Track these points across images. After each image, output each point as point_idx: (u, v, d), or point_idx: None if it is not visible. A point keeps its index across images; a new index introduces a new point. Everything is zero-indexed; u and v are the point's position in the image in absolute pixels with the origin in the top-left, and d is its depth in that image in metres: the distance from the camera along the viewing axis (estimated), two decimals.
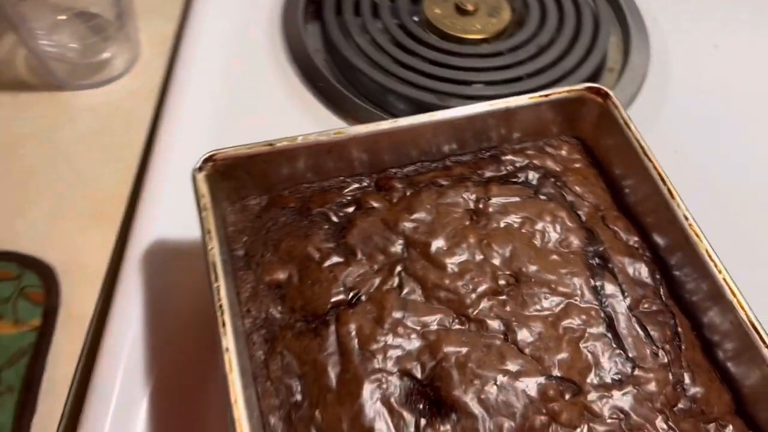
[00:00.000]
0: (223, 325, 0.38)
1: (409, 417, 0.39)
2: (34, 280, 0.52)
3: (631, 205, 0.49)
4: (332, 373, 0.40)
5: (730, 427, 0.40)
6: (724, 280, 0.41)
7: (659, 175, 0.45)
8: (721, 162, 0.61)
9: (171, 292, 0.50)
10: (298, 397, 0.40)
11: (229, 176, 0.46)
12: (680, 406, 0.41)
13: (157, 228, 0.52)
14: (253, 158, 0.45)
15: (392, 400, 0.39)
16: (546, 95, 0.49)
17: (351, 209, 0.48)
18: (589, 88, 0.50)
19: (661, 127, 0.63)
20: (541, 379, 0.40)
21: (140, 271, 0.50)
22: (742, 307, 0.40)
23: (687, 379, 0.41)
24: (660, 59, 0.67)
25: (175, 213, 0.51)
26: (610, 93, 0.49)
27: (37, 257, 0.54)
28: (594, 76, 0.63)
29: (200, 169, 0.44)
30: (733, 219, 0.57)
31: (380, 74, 0.60)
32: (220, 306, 0.38)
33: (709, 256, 0.42)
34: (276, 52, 0.65)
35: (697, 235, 0.43)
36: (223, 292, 0.39)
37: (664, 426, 0.39)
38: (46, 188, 0.59)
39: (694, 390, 0.41)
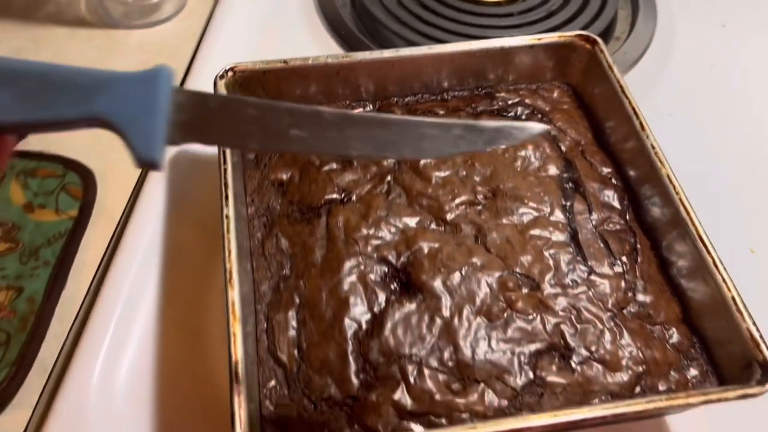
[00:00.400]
0: (227, 198, 0.43)
1: (381, 294, 0.44)
2: (75, 179, 0.60)
3: (610, 144, 0.53)
4: (318, 253, 0.45)
5: (674, 330, 0.44)
6: (682, 203, 0.45)
7: (633, 109, 0.49)
8: (715, 130, 0.64)
9: (190, 196, 0.56)
10: (287, 271, 0.45)
11: (246, 89, 0.52)
12: (630, 309, 0.44)
13: None
14: (269, 73, 0.51)
15: (368, 278, 0.44)
16: (539, 39, 0.54)
17: None
18: (579, 35, 0.54)
19: (661, 93, 0.66)
20: (503, 273, 0.45)
21: (165, 177, 0.57)
22: (697, 231, 0.44)
23: (639, 288, 0.45)
24: (666, 31, 0.71)
25: None
26: (599, 40, 0.54)
27: (80, 161, 0.61)
28: None
29: (221, 77, 0.50)
30: (717, 182, 0.60)
31: (399, 26, 0.65)
32: (225, 182, 0.44)
33: (671, 181, 0.46)
34: (306, 3, 0.71)
35: (661, 162, 0.47)
36: (229, 173, 0.45)
37: (612, 323, 0.43)
38: None
39: (644, 297, 0.45)
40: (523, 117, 0.55)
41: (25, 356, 0.48)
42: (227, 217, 0.43)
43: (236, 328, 0.38)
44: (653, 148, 0.47)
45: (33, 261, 0.54)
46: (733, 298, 0.41)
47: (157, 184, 0.56)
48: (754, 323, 0.40)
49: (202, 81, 0.60)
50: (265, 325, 0.43)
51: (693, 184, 0.49)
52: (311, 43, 0.68)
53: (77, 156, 0.62)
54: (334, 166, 0.50)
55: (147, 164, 0.27)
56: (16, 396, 0.46)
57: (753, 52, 0.71)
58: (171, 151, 0.58)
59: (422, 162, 0.50)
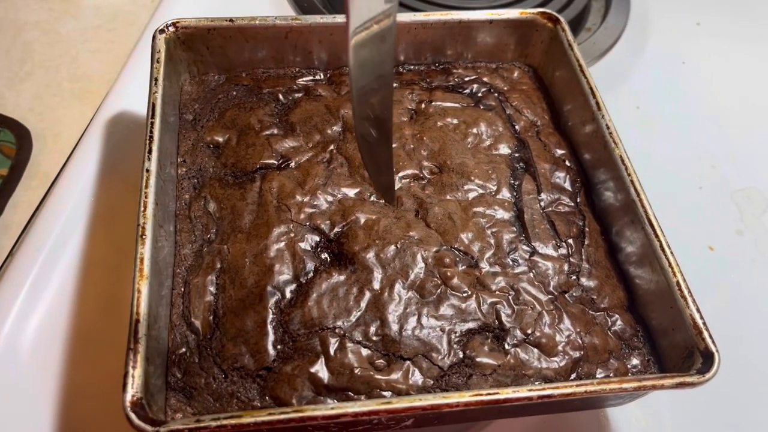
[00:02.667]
0: (150, 152, 0.41)
1: (309, 263, 0.41)
2: (9, 137, 0.57)
3: (568, 127, 0.51)
4: (247, 218, 0.43)
5: (618, 317, 0.41)
6: (633, 185, 0.43)
7: (591, 89, 0.47)
8: (682, 126, 0.62)
9: (126, 159, 0.53)
10: (212, 235, 0.42)
11: (189, 47, 0.49)
12: (572, 293, 0.42)
13: (126, 102, 0.55)
14: (214, 32, 0.49)
15: (297, 246, 0.42)
16: (499, 14, 0.52)
17: (300, 95, 0.51)
18: (541, 13, 0.52)
19: (629, 86, 0.65)
20: (441, 248, 0.42)
21: (101, 137, 0.54)
22: (647, 213, 0.42)
23: (584, 272, 0.43)
24: (638, 25, 0.69)
25: (146, 92, 0.55)
26: (561, 18, 0.52)
27: (17, 119, 0.58)
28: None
29: (161, 31, 0.47)
30: (680, 177, 0.58)
31: None
32: (151, 136, 0.41)
33: (623, 162, 0.44)
34: None
35: (615, 143, 0.45)
36: (156, 127, 0.42)
37: (551, 306, 0.41)
38: (40, 67, 0.63)
39: (588, 282, 0.43)
40: (479, 94, 0.52)
41: None
42: (147, 171, 0.40)
43: (142, 286, 0.35)
44: (608, 128, 0.45)
45: None
46: (678, 284, 0.38)
47: (92, 144, 0.53)
48: (698, 310, 0.37)
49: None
50: (183, 289, 0.40)
51: (655, 178, 0.48)
52: (270, 11, 0.65)
53: (15, 114, 0.59)
54: (275, 131, 0.48)
55: None
56: None
57: (726, 52, 0.69)
58: (109, 112, 0.55)
59: None
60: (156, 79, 0.45)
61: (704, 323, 0.37)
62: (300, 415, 0.32)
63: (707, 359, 0.36)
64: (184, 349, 0.38)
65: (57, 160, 0.56)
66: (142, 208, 0.38)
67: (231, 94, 0.50)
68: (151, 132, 0.42)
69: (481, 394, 0.33)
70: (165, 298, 0.39)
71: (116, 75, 0.62)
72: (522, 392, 0.34)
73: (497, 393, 0.34)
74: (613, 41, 0.66)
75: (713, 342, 0.36)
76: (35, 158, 0.56)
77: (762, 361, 0.48)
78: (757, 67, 0.68)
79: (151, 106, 0.43)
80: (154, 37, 0.47)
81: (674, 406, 0.45)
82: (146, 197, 0.39)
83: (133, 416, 0.31)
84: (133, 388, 0.32)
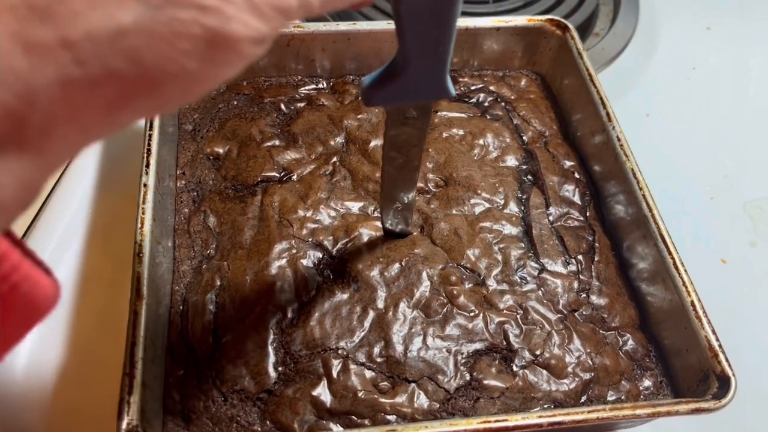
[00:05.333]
0: (147, 165, 0.40)
1: (312, 280, 0.40)
2: None
3: (576, 137, 0.49)
4: (248, 234, 0.42)
5: (629, 336, 0.40)
6: (645, 199, 0.42)
7: (601, 99, 0.46)
8: (693, 134, 0.61)
9: (123, 171, 0.51)
10: (212, 250, 0.41)
11: None
12: (582, 311, 0.41)
13: None
14: None
15: (299, 264, 0.40)
16: (507, 21, 0.51)
17: (302, 104, 0.50)
18: (549, 20, 0.51)
19: (638, 92, 0.63)
20: (446, 266, 0.41)
21: (98, 149, 0.53)
22: (659, 229, 0.41)
23: (594, 289, 0.42)
24: (647, 30, 0.68)
25: None
26: (570, 25, 0.50)
27: None
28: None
29: None
30: (691, 187, 0.57)
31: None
32: (148, 148, 0.40)
33: (635, 176, 0.43)
34: None
35: (626, 155, 0.43)
36: (154, 139, 0.41)
37: (561, 326, 0.40)
38: None
39: (599, 300, 0.41)
40: (486, 104, 0.51)
41: None
42: (145, 185, 0.39)
43: (140, 307, 0.34)
44: (618, 140, 0.44)
45: None
46: (693, 303, 0.37)
47: (89, 156, 0.52)
48: (714, 332, 0.36)
49: None
50: (182, 307, 0.39)
51: (666, 188, 0.46)
52: None
53: None
54: (277, 142, 0.47)
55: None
56: None
57: (736, 57, 0.68)
58: None
59: (372, 144, 0.47)
60: None
61: (720, 345, 0.36)
62: None
63: (723, 383, 0.35)
64: (182, 371, 0.37)
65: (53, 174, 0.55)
66: (139, 225, 0.37)
67: (232, 103, 0.49)
68: (149, 145, 0.41)
69: (490, 421, 0.32)
70: (163, 317, 0.38)
71: None
72: (532, 418, 0.32)
73: (506, 420, 0.32)
74: (622, 47, 0.64)
75: (729, 365, 0.35)
76: None
77: None
78: None
79: (149, 118, 0.42)
80: None
81: (688, 425, 0.44)
82: (143, 213, 0.38)
83: None
84: (129, 416, 0.31)
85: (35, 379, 0.41)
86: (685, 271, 0.38)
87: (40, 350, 0.42)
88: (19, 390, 0.40)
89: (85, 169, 0.51)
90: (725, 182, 0.57)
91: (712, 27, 0.70)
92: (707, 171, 0.58)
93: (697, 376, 0.37)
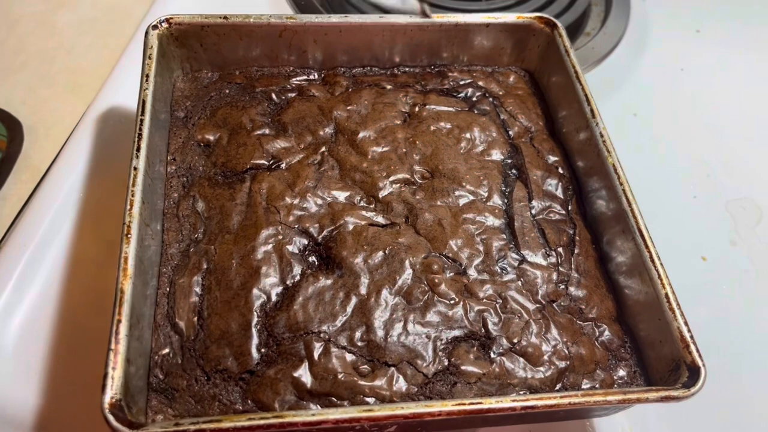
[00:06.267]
0: (138, 149, 0.40)
1: (296, 266, 0.41)
2: (0, 130, 0.56)
3: (562, 133, 0.50)
4: (235, 219, 0.42)
5: (606, 328, 0.41)
6: (624, 194, 0.42)
7: (585, 95, 0.47)
8: (679, 134, 0.62)
9: (116, 155, 0.53)
10: (200, 234, 0.42)
11: (183, 43, 0.49)
12: (561, 302, 0.42)
13: (119, 97, 0.55)
14: (208, 29, 0.48)
15: (284, 249, 0.41)
16: (496, 17, 0.51)
17: (293, 95, 0.50)
18: (538, 18, 0.52)
19: (626, 92, 0.64)
20: (429, 255, 0.42)
21: (93, 133, 0.53)
22: (637, 224, 0.41)
23: (573, 281, 0.43)
24: (638, 31, 0.69)
25: (137, 88, 0.55)
26: (558, 23, 0.51)
27: (9, 111, 0.58)
28: (570, 36, 0.65)
29: (155, 27, 0.47)
30: (675, 186, 0.58)
31: None
32: (140, 132, 0.41)
33: (615, 171, 0.43)
34: None
35: (608, 151, 0.44)
36: (146, 124, 0.41)
37: (539, 316, 0.41)
38: (34, 59, 0.63)
39: (577, 291, 0.42)
40: (474, 99, 0.52)
41: None
42: (135, 168, 0.40)
43: (125, 286, 0.35)
44: (602, 136, 0.45)
45: None
46: (667, 296, 0.38)
47: (83, 139, 0.53)
48: (686, 323, 0.37)
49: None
50: (168, 289, 0.40)
51: (650, 186, 0.47)
52: (269, 9, 0.65)
53: (8, 107, 0.59)
54: (267, 131, 0.47)
55: None
56: None
57: (725, 60, 0.69)
58: (102, 107, 0.55)
59: (361, 134, 0.48)
60: (147, 76, 0.44)
61: (691, 336, 0.37)
62: (280, 420, 0.31)
63: (693, 373, 0.36)
64: (167, 350, 0.38)
65: (49, 153, 0.56)
66: (128, 207, 0.38)
67: (224, 92, 0.50)
68: (140, 129, 0.41)
69: (464, 404, 0.33)
70: (149, 298, 0.38)
71: (110, 69, 0.61)
72: (506, 402, 0.33)
73: (480, 403, 0.33)
74: (612, 46, 0.66)
75: (700, 356, 0.36)
76: (26, 151, 0.56)
77: (751, 373, 0.48)
78: (756, 77, 0.67)
79: (141, 103, 0.43)
80: (146, 32, 0.47)
81: (661, 417, 0.45)
82: (133, 195, 0.39)
83: (111, 418, 0.31)
84: (113, 390, 0.32)
85: (25, 357, 0.42)
86: (661, 264, 0.39)
87: (30, 329, 0.43)
88: (8, 367, 0.41)
89: (77, 153, 0.52)
90: (708, 181, 0.58)
91: (701, 30, 0.71)
92: (691, 170, 0.59)
93: (669, 366, 0.37)
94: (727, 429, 0.46)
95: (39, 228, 0.47)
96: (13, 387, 0.41)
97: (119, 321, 0.34)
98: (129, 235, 0.37)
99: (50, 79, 0.62)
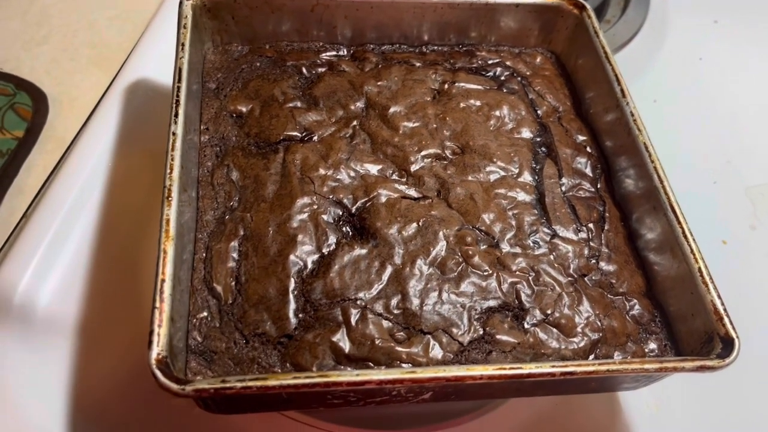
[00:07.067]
0: (176, 115, 0.40)
1: (332, 235, 0.41)
2: (26, 100, 0.56)
3: (589, 114, 0.51)
4: (270, 188, 0.43)
5: (636, 302, 0.42)
6: (656, 171, 0.43)
7: (616, 75, 0.47)
8: (697, 121, 0.63)
9: (144, 126, 0.53)
10: (235, 203, 0.42)
11: (215, 15, 0.49)
12: (592, 276, 0.42)
13: (145, 69, 0.55)
14: (240, 1, 0.49)
15: (320, 218, 0.41)
16: None
17: (323, 69, 0.51)
18: (568, 0, 0.52)
19: (646, 79, 0.65)
20: (462, 227, 0.42)
21: (119, 104, 0.53)
22: (669, 200, 0.42)
23: (604, 256, 0.43)
24: (657, 20, 0.69)
25: (166, 60, 0.55)
26: (587, 5, 0.52)
27: (34, 83, 0.58)
28: None
29: None
30: (694, 172, 0.58)
31: None
32: (177, 100, 0.41)
33: (647, 149, 0.44)
34: None
35: (639, 130, 0.45)
36: (183, 92, 0.42)
37: (571, 289, 0.41)
38: (58, 31, 0.63)
39: (608, 266, 0.43)
40: (502, 78, 0.52)
41: None
42: (174, 134, 0.40)
43: (168, 247, 0.35)
44: (632, 115, 0.45)
45: None
46: (700, 270, 0.39)
47: (110, 110, 0.53)
48: (719, 296, 0.38)
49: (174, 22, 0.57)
50: (204, 254, 0.40)
51: (670, 171, 0.47)
52: None
53: (32, 78, 0.59)
54: (299, 104, 0.48)
55: None
56: None
57: (742, 50, 0.70)
58: (128, 79, 0.55)
59: (391, 110, 0.48)
60: (183, 45, 0.44)
61: (725, 309, 0.37)
62: (325, 380, 0.32)
63: (727, 344, 0.36)
64: (205, 314, 0.38)
65: (73, 124, 0.56)
66: (168, 170, 0.38)
67: (255, 65, 0.50)
68: (178, 96, 0.42)
69: (505, 368, 0.33)
70: (186, 263, 0.39)
71: (133, 43, 0.62)
72: (545, 368, 0.34)
73: (520, 368, 0.34)
74: (632, 34, 0.66)
75: (733, 328, 0.36)
76: (51, 122, 0.56)
77: (764, 359, 0.49)
78: None
79: (178, 71, 0.43)
80: (181, 2, 0.47)
81: (685, 394, 0.46)
82: (173, 160, 0.39)
83: (159, 374, 0.31)
84: (159, 347, 0.32)
85: (55, 320, 0.42)
86: (694, 240, 0.40)
87: (60, 295, 0.43)
88: (42, 329, 0.41)
89: (105, 124, 0.52)
90: (728, 167, 0.59)
91: (719, 20, 0.72)
92: (711, 156, 0.59)
93: (701, 339, 0.38)
94: (746, 408, 0.47)
95: (69, 195, 0.47)
96: (47, 350, 0.41)
97: (163, 281, 0.34)
98: (170, 198, 0.37)
99: (73, 51, 0.62)
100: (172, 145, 0.39)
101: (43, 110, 0.56)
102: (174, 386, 0.31)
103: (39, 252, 0.45)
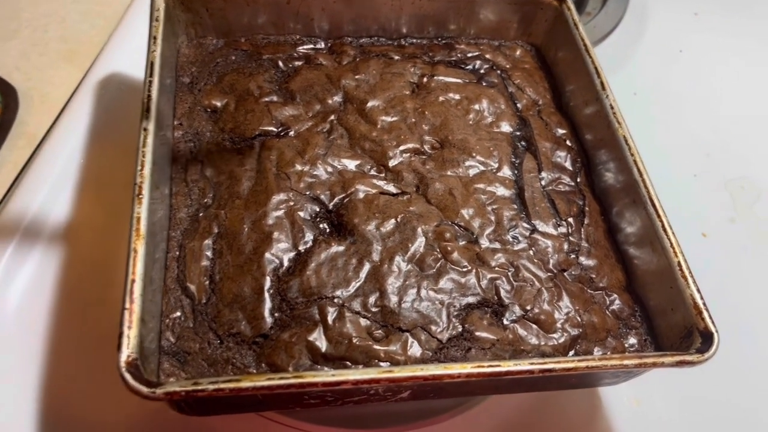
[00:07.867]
0: (147, 110, 0.39)
1: (308, 233, 0.40)
2: None
3: (569, 107, 0.50)
4: (245, 185, 0.42)
5: (616, 297, 0.41)
6: (636, 165, 0.43)
7: (595, 68, 0.47)
8: (677, 114, 0.62)
9: (117, 122, 0.52)
10: (209, 199, 0.41)
11: (188, 8, 0.48)
12: (572, 271, 0.42)
13: (117, 64, 0.54)
14: None
15: (296, 215, 0.41)
16: None
17: (300, 63, 0.50)
18: None
19: (626, 72, 0.65)
20: (441, 223, 0.42)
21: (91, 99, 0.52)
22: (649, 194, 0.42)
23: (584, 251, 0.43)
24: (637, 13, 0.69)
25: (139, 54, 0.53)
26: None
27: (4, 78, 0.56)
28: None
29: None
30: (674, 164, 0.58)
31: None
32: (149, 95, 0.40)
33: (626, 143, 0.44)
34: None
35: (619, 122, 0.44)
36: (155, 86, 0.41)
37: (551, 284, 0.41)
38: (29, 25, 0.61)
39: (587, 261, 0.42)
40: (482, 71, 0.52)
41: None
42: (145, 129, 0.39)
43: (138, 246, 0.34)
44: (612, 108, 0.45)
45: None
46: (680, 264, 0.38)
47: (82, 105, 0.52)
48: (698, 290, 0.37)
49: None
50: (178, 253, 0.39)
51: (650, 164, 0.47)
52: None
53: (2, 73, 0.57)
54: (275, 98, 0.47)
55: None
56: None
57: (721, 43, 0.70)
58: (100, 74, 0.54)
59: (369, 104, 0.47)
60: (155, 38, 0.43)
61: (704, 303, 0.37)
62: (300, 381, 0.31)
63: (706, 339, 0.36)
64: (178, 313, 0.37)
65: (44, 120, 0.54)
66: (139, 168, 0.37)
67: (230, 58, 0.49)
68: (149, 91, 0.41)
69: (483, 366, 0.33)
70: (159, 261, 0.38)
71: (105, 37, 0.60)
72: (524, 365, 0.33)
73: (499, 365, 0.33)
74: (612, 27, 0.66)
75: (713, 322, 0.36)
76: (21, 118, 0.55)
77: (750, 349, 0.49)
78: (752, 60, 0.68)
79: (150, 65, 0.42)
80: None
81: (665, 388, 0.46)
82: (144, 156, 0.38)
83: (128, 377, 0.30)
84: (129, 349, 0.31)
85: (26, 321, 0.41)
86: (673, 234, 0.40)
87: (30, 295, 0.42)
88: (10, 330, 0.40)
89: (77, 119, 0.51)
90: (708, 161, 0.59)
91: (699, 13, 0.72)
92: (691, 149, 0.59)
93: (680, 334, 0.38)
94: (726, 402, 0.47)
95: (40, 192, 0.46)
96: (16, 348, 0.40)
97: (133, 281, 0.33)
98: (141, 196, 0.36)
99: (44, 46, 0.60)
100: (144, 141, 0.38)
101: (13, 106, 0.55)
102: (144, 389, 0.30)
103: (8, 250, 0.43)
